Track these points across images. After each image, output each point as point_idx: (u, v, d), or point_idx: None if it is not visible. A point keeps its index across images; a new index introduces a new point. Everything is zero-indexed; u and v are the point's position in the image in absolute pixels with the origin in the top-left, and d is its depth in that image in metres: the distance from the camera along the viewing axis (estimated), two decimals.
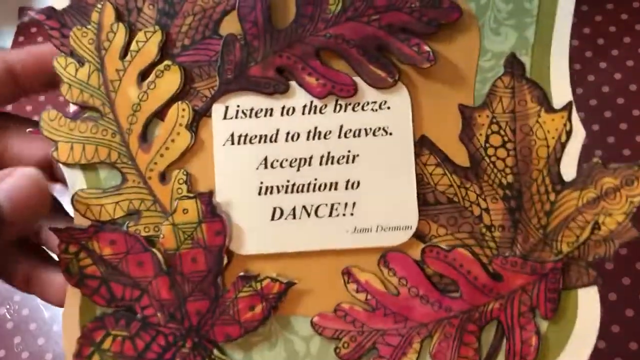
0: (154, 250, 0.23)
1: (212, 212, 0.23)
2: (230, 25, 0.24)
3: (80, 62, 0.24)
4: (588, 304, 0.23)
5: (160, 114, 0.24)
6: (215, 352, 0.23)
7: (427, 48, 0.23)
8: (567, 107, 0.23)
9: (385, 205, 0.23)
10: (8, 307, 0.39)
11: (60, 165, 0.24)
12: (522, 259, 0.23)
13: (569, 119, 0.23)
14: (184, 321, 0.23)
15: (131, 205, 0.24)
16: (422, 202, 0.24)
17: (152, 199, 0.24)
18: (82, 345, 0.23)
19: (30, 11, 0.23)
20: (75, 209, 0.24)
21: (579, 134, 0.23)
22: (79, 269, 0.23)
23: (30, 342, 0.40)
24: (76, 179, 0.24)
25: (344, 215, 0.24)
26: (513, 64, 0.24)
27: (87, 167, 0.24)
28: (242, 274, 0.23)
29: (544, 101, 0.23)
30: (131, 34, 0.24)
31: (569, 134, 0.23)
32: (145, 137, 0.24)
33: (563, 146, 0.23)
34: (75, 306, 0.24)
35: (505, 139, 0.23)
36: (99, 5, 0.24)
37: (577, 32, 0.42)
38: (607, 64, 0.39)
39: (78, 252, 0.23)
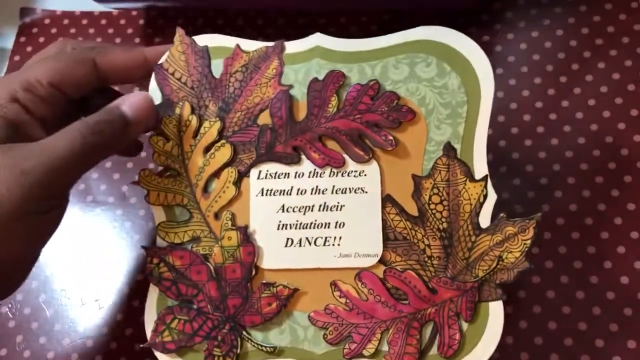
0: (208, 263, 0.35)
1: (246, 239, 0.35)
2: (265, 118, 0.37)
3: (167, 138, 0.37)
4: (495, 312, 0.33)
5: (216, 174, 0.36)
6: (244, 333, 0.35)
7: (390, 137, 0.35)
8: (484, 179, 0.35)
9: (360, 240, 0.35)
10: (10, 306, 0.37)
11: (151, 206, 0.36)
12: (451, 279, 0.34)
13: (485, 186, 0.35)
14: (225, 311, 0.35)
15: (194, 233, 0.36)
16: (386, 238, 0.35)
17: (208, 230, 0.36)
18: (157, 325, 0.35)
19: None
20: (159, 235, 0.36)
21: (491, 197, 0.35)
22: (158, 274, 0.35)
23: (31, 341, 0.39)
24: (160, 214, 0.37)
25: (333, 245, 0.35)
26: (449, 149, 0.35)
27: (167, 207, 0.37)
28: (264, 281, 0.35)
29: (469, 174, 0.35)
30: (200, 121, 0.37)
31: (485, 197, 0.35)
32: (206, 189, 0.36)
33: (481, 205, 0.35)
34: (154, 299, 0.36)
35: (442, 198, 0.35)
36: (181, 103, 0.37)
37: (575, 32, 0.41)
38: (605, 64, 0.37)
39: (159, 263, 0.36)
